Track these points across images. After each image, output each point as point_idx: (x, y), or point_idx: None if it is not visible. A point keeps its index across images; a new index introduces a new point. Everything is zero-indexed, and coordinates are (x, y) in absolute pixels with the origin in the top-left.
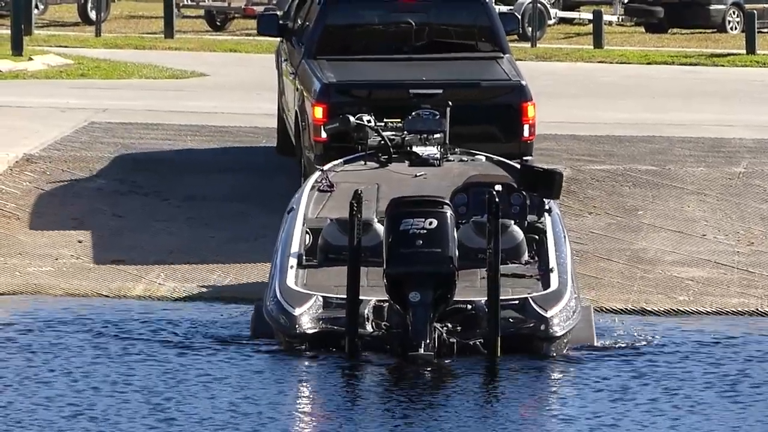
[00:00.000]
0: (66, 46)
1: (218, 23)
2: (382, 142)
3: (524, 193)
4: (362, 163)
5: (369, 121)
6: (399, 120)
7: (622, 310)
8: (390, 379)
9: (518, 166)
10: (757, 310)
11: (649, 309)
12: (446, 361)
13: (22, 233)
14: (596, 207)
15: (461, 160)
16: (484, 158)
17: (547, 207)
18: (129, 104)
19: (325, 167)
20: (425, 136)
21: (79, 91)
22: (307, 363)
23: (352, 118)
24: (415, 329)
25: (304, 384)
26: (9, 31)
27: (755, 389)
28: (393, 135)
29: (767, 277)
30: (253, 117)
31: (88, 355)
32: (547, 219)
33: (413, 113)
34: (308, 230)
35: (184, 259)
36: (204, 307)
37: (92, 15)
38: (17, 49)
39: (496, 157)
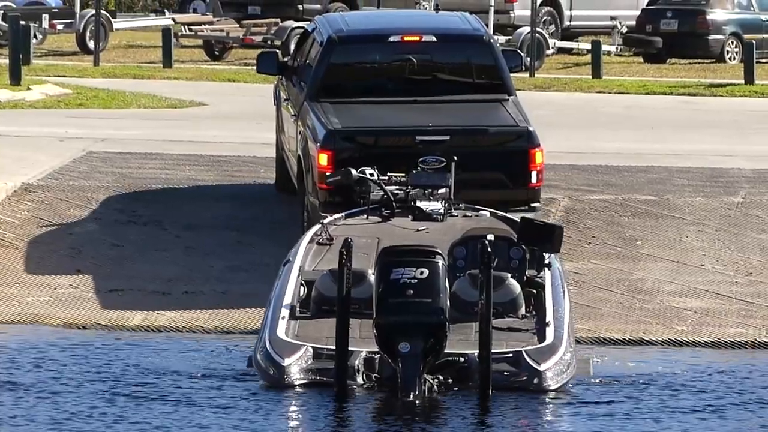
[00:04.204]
0: (64, 76)
1: (216, 53)
2: (385, 196)
3: (524, 247)
4: (364, 217)
5: (372, 175)
6: (403, 174)
7: (620, 340)
8: (381, 412)
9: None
10: (755, 340)
11: (647, 339)
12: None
13: (21, 263)
14: (595, 237)
15: (465, 216)
16: (488, 214)
17: (547, 261)
18: (127, 134)
19: (326, 221)
20: (429, 191)
21: (78, 120)
22: (298, 395)
23: (354, 171)
24: (404, 380)
25: (294, 416)
26: (7, 61)
27: (751, 421)
28: (397, 189)
29: (765, 308)
30: (252, 146)
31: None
32: (546, 274)
33: (418, 168)
34: (303, 282)
35: (183, 289)
36: (202, 336)
37: (90, 44)
38: (15, 79)
39: (500, 213)
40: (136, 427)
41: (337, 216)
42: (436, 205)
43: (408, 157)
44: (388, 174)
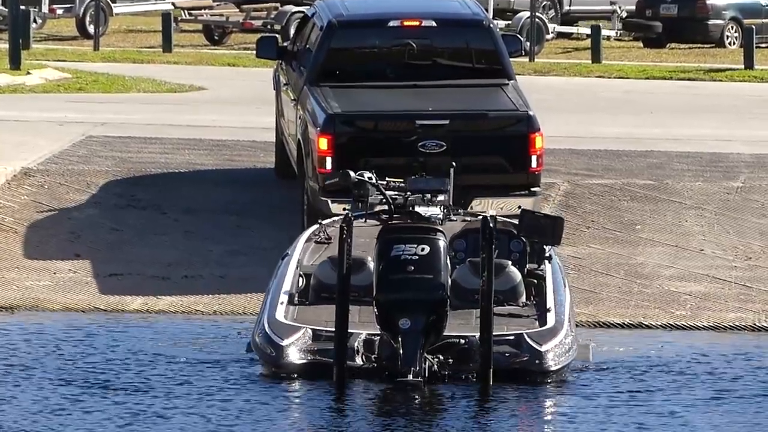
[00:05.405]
0: (64, 60)
1: (216, 37)
2: (383, 199)
3: (524, 239)
4: (362, 220)
5: (370, 178)
6: (401, 180)
7: (619, 324)
8: (380, 403)
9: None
10: (755, 324)
11: (646, 323)
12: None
13: (20, 247)
14: (594, 221)
15: (464, 221)
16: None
17: (547, 254)
18: (127, 118)
19: (324, 222)
20: (428, 196)
21: (77, 105)
22: (296, 379)
23: (352, 174)
24: (404, 356)
25: (293, 406)
26: (7, 46)
27: (750, 405)
28: (395, 194)
29: (765, 292)
30: (251, 131)
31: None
32: (546, 266)
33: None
34: (302, 274)
35: (183, 273)
36: (201, 320)
37: (90, 29)
38: (15, 63)
39: (500, 218)
40: (133, 411)
41: (335, 218)
42: (434, 210)
43: (408, 142)
44: (387, 179)
